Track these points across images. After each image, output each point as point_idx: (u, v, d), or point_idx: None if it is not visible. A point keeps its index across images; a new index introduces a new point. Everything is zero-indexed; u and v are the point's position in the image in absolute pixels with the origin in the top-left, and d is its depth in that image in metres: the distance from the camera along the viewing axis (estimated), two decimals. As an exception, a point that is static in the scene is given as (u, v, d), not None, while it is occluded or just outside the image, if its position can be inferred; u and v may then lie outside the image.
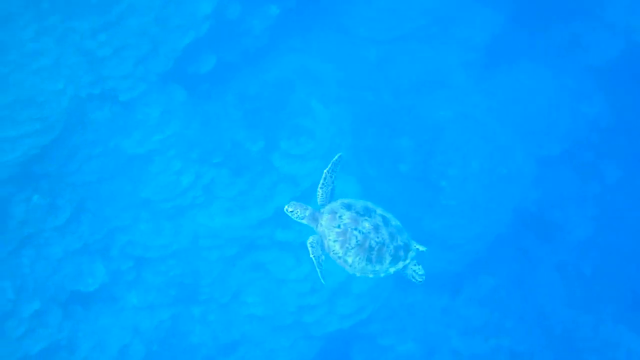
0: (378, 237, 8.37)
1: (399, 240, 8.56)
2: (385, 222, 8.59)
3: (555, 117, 16.99)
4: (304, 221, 8.70)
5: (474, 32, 16.44)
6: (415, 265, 8.76)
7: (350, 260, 8.36)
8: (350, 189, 15.25)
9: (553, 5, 17.91)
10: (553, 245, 17.80)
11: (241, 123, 14.56)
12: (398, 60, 15.71)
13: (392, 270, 8.60)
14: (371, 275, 8.52)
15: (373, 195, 15.19)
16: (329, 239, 8.43)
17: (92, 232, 13.66)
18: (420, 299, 16.47)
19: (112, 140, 13.41)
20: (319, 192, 8.63)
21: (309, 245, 8.47)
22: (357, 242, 8.32)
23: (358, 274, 8.52)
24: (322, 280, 8.41)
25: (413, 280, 8.81)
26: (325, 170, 8.57)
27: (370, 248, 8.32)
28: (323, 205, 8.66)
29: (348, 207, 8.56)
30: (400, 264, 8.61)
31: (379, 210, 8.72)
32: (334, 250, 8.41)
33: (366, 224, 8.39)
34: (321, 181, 8.61)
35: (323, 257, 8.45)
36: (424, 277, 8.81)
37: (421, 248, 8.81)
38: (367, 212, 8.56)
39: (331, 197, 8.71)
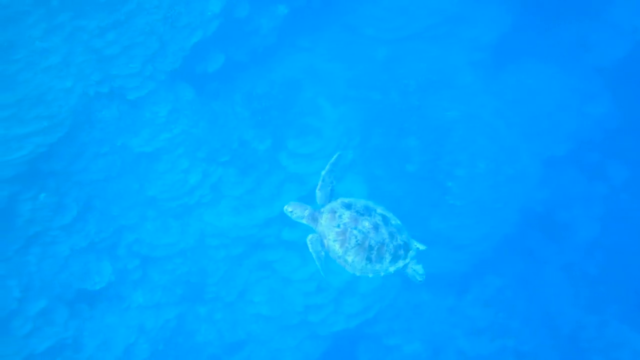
0: (378, 237, 8.25)
1: (398, 240, 8.41)
2: (385, 221, 8.43)
3: (562, 118, 16.83)
4: (304, 221, 8.58)
5: (482, 32, 16.28)
6: (415, 264, 8.61)
7: (350, 259, 8.23)
8: (356, 188, 15.13)
9: (560, 5, 17.73)
10: (559, 246, 17.68)
11: (249, 122, 14.42)
12: (406, 59, 15.55)
13: (392, 269, 8.46)
14: (371, 275, 8.39)
15: (380, 195, 15.11)
16: (329, 239, 8.30)
17: (99, 231, 13.53)
18: (427, 299, 16.39)
19: (119, 139, 13.28)
20: (318, 193, 8.49)
21: (308, 242, 8.35)
22: (356, 241, 8.19)
23: (358, 274, 8.39)
24: (322, 274, 8.27)
25: (413, 279, 8.66)
26: (322, 172, 8.41)
27: (370, 247, 8.19)
28: (323, 205, 8.51)
29: (348, 206, 8.42)
30: (401, 263, 8.47)
31: (379, 210, 8.57)
32: (333, 250, 8.28)
33: (366, 223, 8.26)
34: (319, 183, 8.47)
35: (323, 253, 8.31)
36: (424, 276, 8.65)
37: (421, 247, 8.66)
38: (367, 212, 8.41)
39: (331, 197, 8.56)
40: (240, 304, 15.31)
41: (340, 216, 8.27)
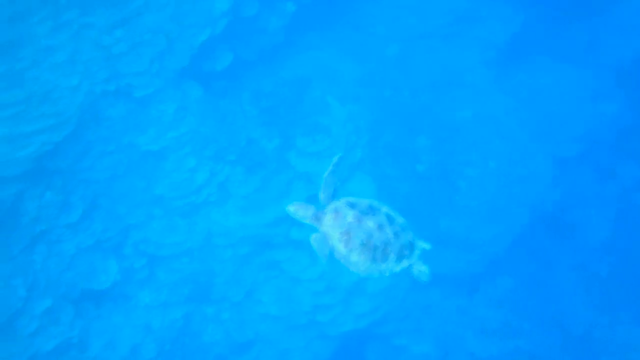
0: (382, 236, 7.96)
1: (403, 239, 8.11)
2: (390, 220, 8.13)
3: (574, 117, 16.58)
4: (307, 221, 8.30)
5: (494, 30, 16.03)
6: (421, 264, 8.34)
7: (354, 259, 7.95)
8: (366, 188, 14.90)
9: (573, 4, 17.46)
10: (571, 246, 17.44)
11: (257, 120, 14.18)
12: (416, 58, 15.32)
13: (397, 269, 8.17)
14: (376, 275, 8.10)
15: (389, 194, 14.88)
16: (333, 239, 8.03)
17: (105, 230, 13.32)
18: (437, 299, 16.18)
19: (126, 137, 13.05)
20: (321, 194, 8.26)
21: (312, 240, 8.10)
22: (361, 241, 7.91)
23: (362, 274, 8.10)
24: (326, 267, 8.03)
25: (418, 279, 8.38)
26: (324, 174, 8.16)
27: (375, 247, 7.92)
28: (326, 205, 8.28)
29: (352, 206, 8.13)
30: (406, 263, 8.18)
31: (384, 209, 8.26)
32: (337, 250, 8.01)
33: (370, 223, 7.97)
34: (322, 186, 8.22)
35: (327, 251, 8.07)
36: (429, 276, 8.38)
37: (426, 246, 8.38)
38: (371, 211, 8.12)
39: (334, 197, 8.30)
40: (248, 303, 15.07)
41: (344, 216, 8.02)
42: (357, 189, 14.82)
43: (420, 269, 8.36)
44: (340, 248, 7.99)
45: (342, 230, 7.97)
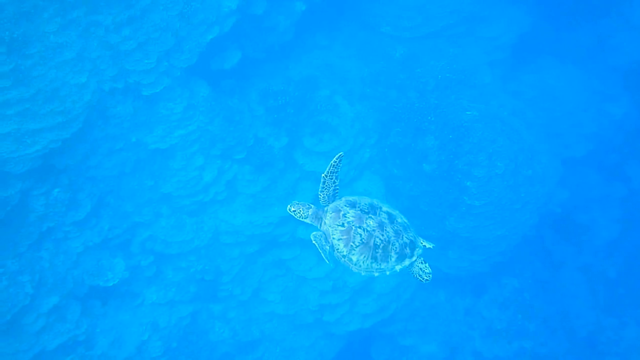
0: (383, 235, 7.81)
1: (404, 238, 7.95)
2: (391, 219, 7.99)
3: (581, 118, 16.45)
4: (307, 220, 8.12)
5: (501, 31, 15.90)
6: (422, 263, 8.16)
7: (355, 259, 7.79)
8: (373, 187, 14.80)
9: (580, 5, 17.33)
10: (577, 248, 17.34)
11: (264, 119, 14.03)
12: (424, 58, 15.16)
13: (398, 268, 7.99)
14: (376, 274, 7.94)
15: (396, 193, 14.76)
16: (333, 238, 7.85)
17: (112, 227, 13.21)
18: (443, 299, 16.06)
19: (134, 135, 12.89)
20: (320, 195, 8.09)
21: (312, 237, 7.91)
22: (361, 240, 7.75)
23: (363, 273, 7.92)
24: (326, 260, 7.84)
25: (420, 278, 8.17)
26: (323, 175, 7.98)
27: (375, 246, 7.77)
28: (327, 205, 8.11)
29: (352, 205, 7.95)
30: (407, 262, 8.01)
31: (385, 207, 8.10)
32: (338, 249, 7.83)
33: (371, 222, 7.82)
34: (321, 186, 8.05)
35: (328, 247, 7.89)
36: (430, 275, 8.16)
37: (428, 245, 8.19)
38: (372, 210, 7.96)
39: (334, 196, 8.12)
40: (255, 302, 15.02)
41: (344, 215, 7.84)
42: (365, 188, 14.70)
43: (422, 268, 8.19)
44: (341, 247, 7.82)
45: (342, 229, 7.81)
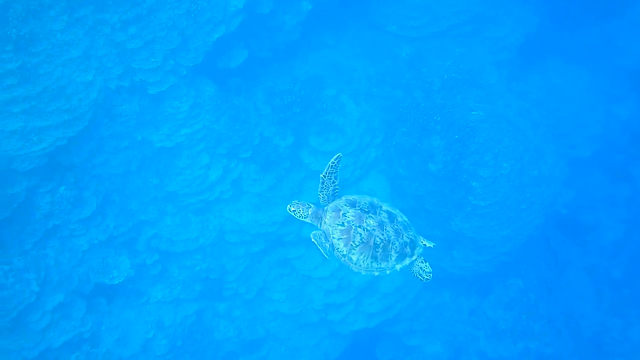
0: (383, 234, 7.75)
1: (404, 237, 7.89)
2: (391, 218, 7.93)
3: (587, 119, 16.33)
4: (307, 220, 8.05)
5: (507, 31, 15.76)
6: (422, 262, 8.07)
7: (355, 258, 7.75)
8: (379, 187, 14.71)
9: (587, 6, 17.17)
10: (583, 248, 17.22)
11: (270, 118, 13.96)
12: (430, 58, 15.04)
13: (398, 267, 7.94)
14: (377, 273, 7.88)
15: (402, 193, 14.66)
16: (333, 237, 7.79)
17: (118, 225, 13.16)
18: (448, 299, 15.97)
19: (139, 133, 12.85)
20: (320, 195, 8.02)
21: (312, 237, 7.85)
22: (361, 239, 7.70)
23: (363, 272, 7.87)
24: (326, 256, 7.78)
25: (420, 277, 8.09)
26: (321, 175, 7.92)
27: (375, 245, 7.72)
28: (327, 204, 8.04)
29: (352, 204, 7.90)
30: (407, 261, 7.95)
31: (385, 206, 8.05)
32: (338, 248, 7.78)
33: (371, 221, 7.76)
34: (320, 186, 7.98)
35: (328, 245, 7.82)
36: (431, 274, 8.07)
37: (428, 244, 8.11)
38: (372, 209, 7.91)
39: (334, 196, 8.05)
40: (260, 301, 14.96)
41: (344, 214, 7.78)
42: (371, 187, 14.62)
43: (422, 267, 8.11)
44: (341, 246, 7.76)
45: (342, 228, 7.75)
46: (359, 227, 7.72)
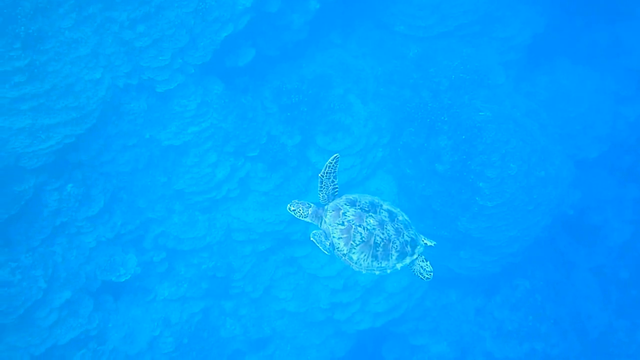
0: (383, 233, 7.71)
1: (405, 236, 7.84)
2: (392, 217, 7.89)
3: (595, 119, 16.19)
4: (308, 219, 8.02)
5: (515, 32, 15.65)
6: (423, 261, 8.01)
7: (355, 257, 7.72)
8: (386, 186, 14.64)
9: (595, 6, 17.06)
10: (590, 249, 17.09)
11: (278, 117, 13.90)
12: (437, 58, 14.95)
13: (399, 266, 7.89)
14: (377, 273, 7.84)
15: (409, 193, 14.59)
16: (333, 236, 7.75)
17: (125, 223, 13.13)
18: (454, 299, 15.89)
19: (147, 131, 12.81)
20: (320, 194, 7.98)
21: (312, 236, 7.80)
22: (361, 238, 7.66)
23: (364, 272, 7.83)
24: (326, 253, 7.73)
25: (421, 276, 8.02)
26: (319, 174, 7.88)
27: (376, 244, 7.68)
28: (327, 203, 7.99)
29: (352, 203, 7.85)
30: (408, 260, 7.90)
31: (386, 205, 8.00)
32: (338, 248, 7.74)
33: (371, 220, 7.72)
34: (319, 186, 7.94)
35: (328, 243, 7.77)
36: (432, 273, 8.00)
37: (429, 243, 8.05)
38: (373, 208, 7.87)
39: (334, 195, 8.00)
40: (266, 299, 14.92)
41: (344, 213, 7.75)
42: (378, 187, 14.56)
43: (423, 266, 8.05)
44: (341, 246, 7.72)
45: (342, 228, 7.71)
46: (359, 226, 7.68)
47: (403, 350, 16.03)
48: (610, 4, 17.03)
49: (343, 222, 7.71)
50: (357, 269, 7.83)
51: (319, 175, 7.84)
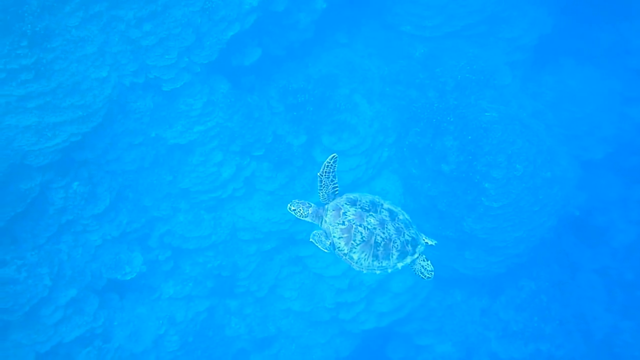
0: (384, 233, 7.67)
1: (406, 235, 7.79)
2: (392, 216, 7.85)
3: (601, 120, 16.13)
4: (308, 219, 7.98)
5: (521, 32, 15.60)
6: (423, 260, 7.96)
7: (356, 257, 7.68)
8: (392, 186, 14.57)
9: (601, 7, 16.97)
10: (595, 250, 17.00)
11: (284, 117, 13.84)
12: (444, 58, 14.89)
13: (399, 265, 7.86)
14: (378, 272, 7.80)
15: (414, 193, 14.51)
16: (334, 236, 7.72)
17: (131, 221, 13.08)
18: (459, 300, 15.81)
19: (153, 130, 12.76)
20: (319, 193, 7.94)
21: (312, 237, 7.77)
22: (362, 238, 7.63)
23: (365, 271, 7.80)
24: (325, 251, 7.69)
25: (421, 275, 7.96)
26: (318, 174, 7.83)
27: (376, 244, 7.65)
28: (328, 203, 7.94)
29: (353, 202, 7.81)
30: (408, 259, 7.86)
31: (386, 205, 7.95)
32: (339, 247, 7.70)
33: (371, 220, 7.69)
34: (319, 185, 7.90)
35: (329, 243, 7.73)
36: (432, 273, 7.96)
37: (430, 242, 7.99)
38: (373, 207, 7.84)
39: (334, 195, 7.95)
40: (271, 299, 14.86)
41: (344, 213, 7.70)
42: (383, 187, 14.50)
43: (424, 265, 7.99)
44: (342, 245, 7.68)
45: (343, 227, 7.66)
46: (360, 225, 7.65)
47: (408, 350, 15.98)
48: (617, 4, 16.93)
49: (343, 221, 7.67)
50: (357, 269, 7.79)
51: (318, 174, 7.79)
